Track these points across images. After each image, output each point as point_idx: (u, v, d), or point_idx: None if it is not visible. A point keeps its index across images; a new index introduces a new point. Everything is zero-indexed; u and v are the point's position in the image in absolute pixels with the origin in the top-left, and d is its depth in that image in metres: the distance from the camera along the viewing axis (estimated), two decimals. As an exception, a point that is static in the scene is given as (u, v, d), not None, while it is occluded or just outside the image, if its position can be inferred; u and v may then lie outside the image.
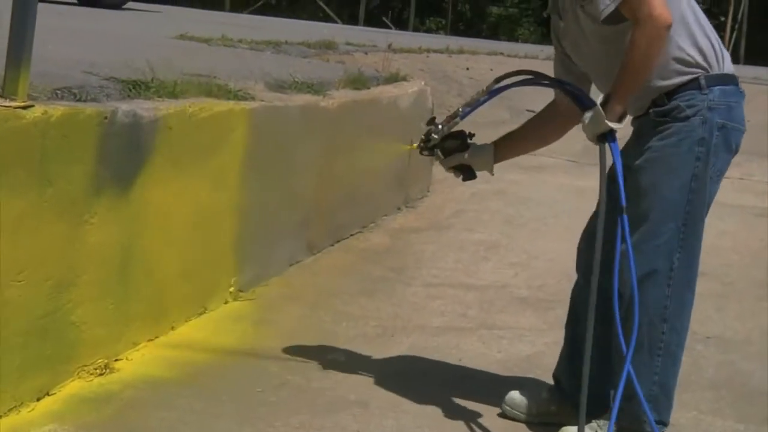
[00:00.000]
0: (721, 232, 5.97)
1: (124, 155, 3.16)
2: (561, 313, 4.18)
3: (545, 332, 4.03)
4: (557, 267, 5.07)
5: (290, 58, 6.88)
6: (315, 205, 4.74)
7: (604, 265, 2.89)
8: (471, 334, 3.97)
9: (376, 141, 5.50)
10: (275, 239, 4.38)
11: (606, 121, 2.86)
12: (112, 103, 3.19)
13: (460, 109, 3.20)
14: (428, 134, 3.24)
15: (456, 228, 5.83)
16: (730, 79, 3.03)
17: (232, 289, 4.01)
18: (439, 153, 3.26)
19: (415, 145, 3.36)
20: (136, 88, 3.48)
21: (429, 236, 5.56)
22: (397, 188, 6.04)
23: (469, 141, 3.28)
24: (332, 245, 5.04)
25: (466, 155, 3.27)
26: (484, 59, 12.78)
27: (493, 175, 3.38)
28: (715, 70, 2.99)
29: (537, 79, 3.14)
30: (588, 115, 2.91)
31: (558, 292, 4.62)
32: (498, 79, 3.16)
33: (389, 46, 10.04)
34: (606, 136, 2.89)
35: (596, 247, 2.89)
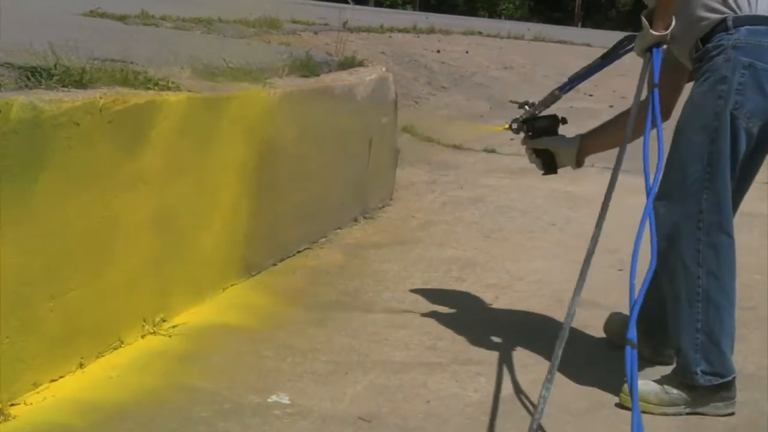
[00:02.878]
0: (741, 247, 6.00)
1: (22, 157, 3.15)
2: (549, 343, 4.22)
3: (531, 367, 4.05)
4: (545, 290, 5.11)
5: (224, 39, 6.90)
6: (254, 216, 4.75)
7: None
8: (442, 370, 3.99)
9: (328, 138, 5.52)
10: (205, 258, 4.39)
11: (651, 31, 3.59)
12: (7, 94, 3.18)
13: (556, 92, 4.15)
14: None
15: (424, 243, 5.86)
16: (761, 20, 3.57)
17: (153, 318, 4.01)
18: (528, 131, 4.19)
19: (506, 125, 4.24)
20: (35, 75, 3.47)
21: (391, 253, 5.59)
22: (353, 196, 6.07)
23: (560, 125, 4.17)
24: (275, 264, 5.06)
25: (553, 141, 4.17)
26: (459, 40, 12.88)
27: (575, 168, 4.22)
28: (745, 12, 3.59)
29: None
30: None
31: (546, 320, 4.66)
32: (605, 55, 4.12)
33: (344, 24, 10.07)
34: (652, 50, 3.62)
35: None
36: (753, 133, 3.57)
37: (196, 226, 4.26)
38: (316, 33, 9.31)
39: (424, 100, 9.87)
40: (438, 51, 11.57)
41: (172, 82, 4.13)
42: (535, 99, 4.27)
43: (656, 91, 3.49)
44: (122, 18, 7.17)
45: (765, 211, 6.79)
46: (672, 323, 3.71)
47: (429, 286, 5.05)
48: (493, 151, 8.49)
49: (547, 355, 4.15)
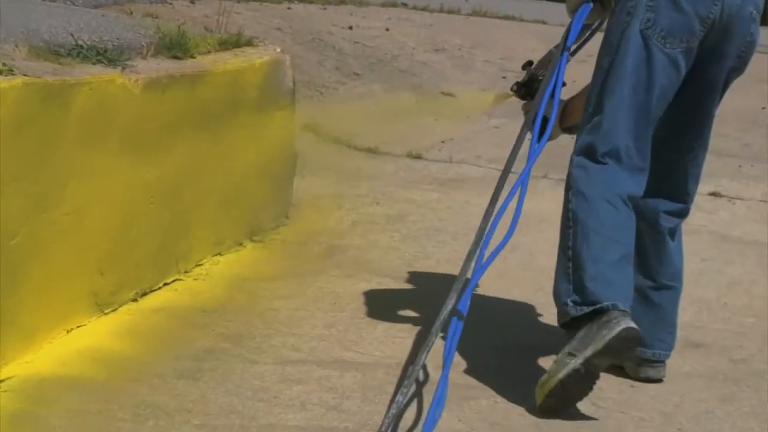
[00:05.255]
0: (731, 283, 6.10)
1: None
2: (485, 405, 4.27)
3: (461, 434, 4.08)
4: (481, 336, 5.12)
5: (73, 9, 6.87)
6: (107, 237, 4.74)
7: None
8: (348, 437, 4.01)
9: (204, 138, 5.51)
10: (43, 290, 4.36)
11: None
12: None
13: (553, 50, 4.43)
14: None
15: (328, 274, 5.87)
16: None
17: (-25, 368, 4.00)
18: (526, 95, 4.71)
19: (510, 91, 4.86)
20: None
21: (286, 287, 5.60)
22: (237, 213, 6.07)
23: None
24: (135, 300, 5.05)
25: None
26: (378, 14, 12.93)
27: (554, 138, 4.50)
28: None
29: None
30: None
31: (484, 372, 4.68)
32: None
33: (229, -9, 10.08)
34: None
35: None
36: (675, 58, 3.92)
37: (32, 250, 4.24)
38: (192, 2, 9.32)
39: (331, 91, 9.90)
40: (350, 27, 11.61)
41: (4, 64, 4.13)
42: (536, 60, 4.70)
43: (566, 55, 3.99)
44: (-61, -21, 7.12)
45: (761, 237, 6.77)
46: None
47: (333, 330, 5.06)
48: (418, 156, 8.50)
49: (485, 419, 4.19)
